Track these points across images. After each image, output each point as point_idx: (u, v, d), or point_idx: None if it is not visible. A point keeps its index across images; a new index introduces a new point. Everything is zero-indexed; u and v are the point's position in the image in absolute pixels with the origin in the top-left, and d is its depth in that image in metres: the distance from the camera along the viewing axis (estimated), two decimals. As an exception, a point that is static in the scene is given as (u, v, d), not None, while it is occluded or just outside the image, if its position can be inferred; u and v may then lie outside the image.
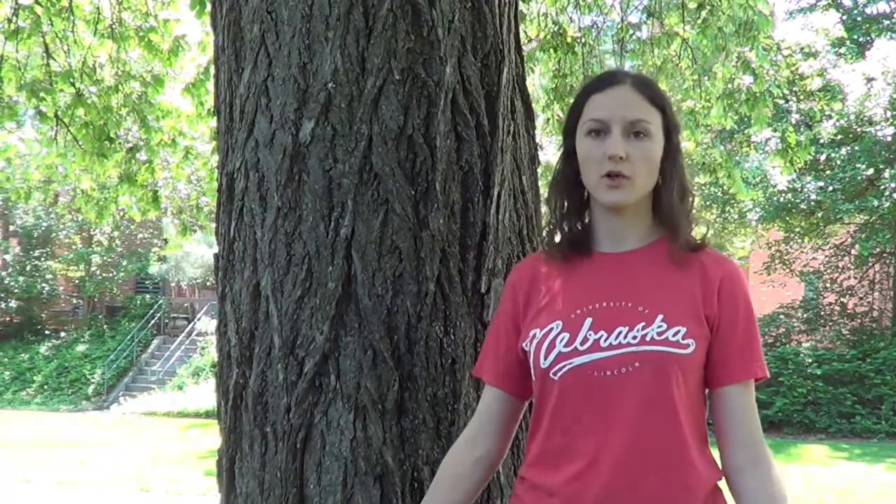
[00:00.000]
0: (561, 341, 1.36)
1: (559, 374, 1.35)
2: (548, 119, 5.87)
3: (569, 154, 1.45)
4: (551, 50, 5.30)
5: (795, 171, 6.56)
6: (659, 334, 1.32)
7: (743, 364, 1.37)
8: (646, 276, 1.40)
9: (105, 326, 22.60)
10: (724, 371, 1.37)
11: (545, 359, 1.37)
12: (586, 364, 1.34)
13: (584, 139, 1.41)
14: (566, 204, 1.47)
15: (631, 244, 1.43)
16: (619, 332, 1.33)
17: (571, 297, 1.41)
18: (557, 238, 1.49)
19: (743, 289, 1.41)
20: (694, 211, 1.46)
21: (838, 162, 14.17)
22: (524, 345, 1.43)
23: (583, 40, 5.47)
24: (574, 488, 1.32)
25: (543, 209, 2.08)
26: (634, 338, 1.33)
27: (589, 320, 1.36)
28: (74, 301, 25.08)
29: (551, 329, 1.38)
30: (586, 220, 1.47)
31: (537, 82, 6.24)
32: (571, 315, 1.38)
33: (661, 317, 1.33)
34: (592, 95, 1.42)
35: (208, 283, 22.38)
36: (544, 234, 1.51)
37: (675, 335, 1.32)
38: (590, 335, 1.35)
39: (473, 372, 1.59)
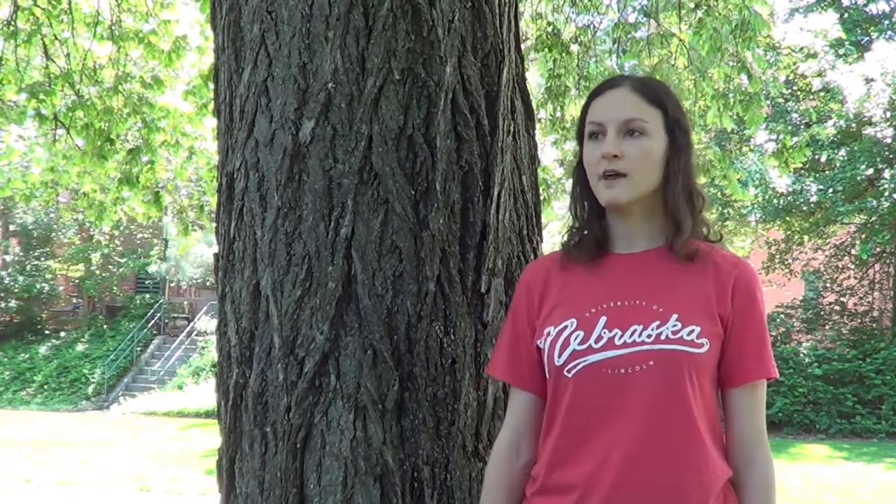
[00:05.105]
0: (575, 339, 1.37)
1: (573, 372, 1.36)
2: (540, 119, 5.87)
3: (580, 160, 1.47)
4: (546, 49, 5.31)
5: (791, 172, 6.65)
6: (674, 333, 1.33)
7: (755, 365, 1.39)
8: (659, 275, 1.41)
9: (105, 326, 22.58)
10: (737, 371, 1.39)
11: (559, 356, 1.38)
12: (600, 362, 1.35)
13: (585, 143, 1.44)
14: (584, 207, 1.48)
15: (642, 245, 1.44)
16: (634, 331, 1.35)
17: (585, 296, 1.42)
18: (574, 243, 1.49)
19: (756, 290, 1.42)
20: (705, 216, 1.46)
21: (838, 163, 14.17)
22: (539, 342, 1.44)
23: (579, 40, 5.47)
24: (588, 484, 1.33)
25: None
26: (649, 336, 1.34)
27: (603, 318, 1.37)
28: (74, 301, 25.07)
29: (565, 327, 1.39)
30: (604, 223, 1.48)
31: (532, 81, 6.25)
32: (586, 313, 1.39)
33: (675, 316, 1.35)
34: (593, 101, 1.45)
35: (208, 283, 22.36)
36: (563, 236, 1.52)
37: (689, 334, 1.34)
38: (604, 333, 1.36)
39: (491, 372, 1.57)
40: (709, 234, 1.46)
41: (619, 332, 1.35)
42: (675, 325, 1.34)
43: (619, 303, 1.39)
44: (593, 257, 1.45)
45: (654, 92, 1.42)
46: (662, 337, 1.33)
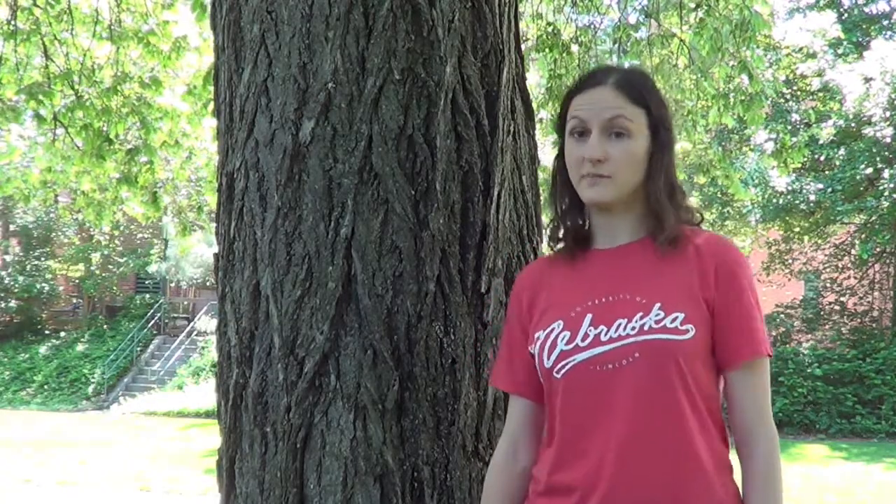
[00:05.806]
0: (562, 340, 1.37)
1: (562, 372, 1.36)
2: (540, 119, 5.87)
3: (561, 153, 1.47)
4: (546, 49, 5.31)
5: (790, 172, 6.68)
6: (657, 322, 1.32)
7: (742, 344, 1.36)
8: (641, 268, 1.40)
9: (105, 326, 22.58)
10: (727, 353, 1.36)
11: (548, 358, 1.38)
12: (588, 359, 1.34)
13: (568, 140, 1.43)
14: (566, 202, 1.48)
15: (623, 239, 1.43)
16: (619, 325, 1.34)
17: (570, 295, 1.42)
18: (560, 236, 1.50)
19: (740, 269, 1.39)
20: (686, 205, 1.45)
21: (837, 162, 14.17)
22: (531, 348, 1.44)
23: (580, 40, 5.48)
24: (586, 486, 1.32)
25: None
26: (633, 328, 1.33)
27: (589, 316, 1.37)
28: (74, 301, 25.06)
29: (553, 329, 1.39)
30: (584, 215, 1.48)
31: (532, 81, 6.26)
32: (571, 313, 1.39)
33: (658, 305, 1.33)
34: (575, 96, 1.43)
35: (208, 283, 22.36)
36: (547, 232, 1.52)
37: (672, 321, 1.32)
38: (590, 331, 1.35)
39: (491, 382, 1.59)
40: (692, 218, 1.45)
41: (605, 328, 1.34)
42: (658, 315, 1.32)
43: (603, 299, 1.38)
44: (575, 253, 1.45)
45: (638, 90, 1.40)
46: (646, 328, 1.32)
